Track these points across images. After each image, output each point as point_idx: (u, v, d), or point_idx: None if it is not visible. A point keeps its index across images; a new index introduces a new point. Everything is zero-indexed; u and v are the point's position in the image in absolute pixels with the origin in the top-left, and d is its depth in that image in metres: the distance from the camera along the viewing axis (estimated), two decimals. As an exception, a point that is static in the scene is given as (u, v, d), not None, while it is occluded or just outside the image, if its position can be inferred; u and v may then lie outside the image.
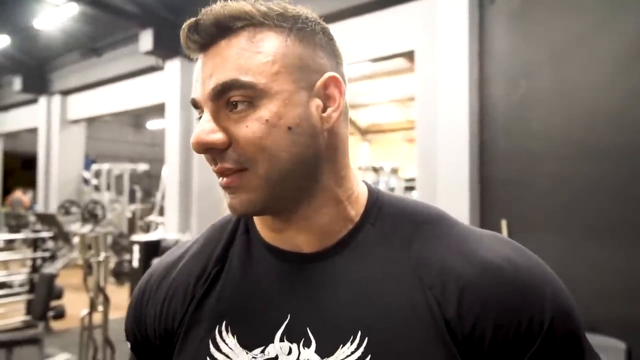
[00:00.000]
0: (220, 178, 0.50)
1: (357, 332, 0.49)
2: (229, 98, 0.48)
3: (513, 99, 3.49)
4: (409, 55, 4.30)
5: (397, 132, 11.34)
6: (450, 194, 3.65)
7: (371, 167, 7.94)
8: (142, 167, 8.90)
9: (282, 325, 0.51)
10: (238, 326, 0.53)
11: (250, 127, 0.47)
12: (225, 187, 0.50)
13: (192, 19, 0.50)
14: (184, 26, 0.50)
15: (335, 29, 0.54)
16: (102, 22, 6.57)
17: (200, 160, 6.27)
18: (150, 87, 6.96)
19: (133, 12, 5.87)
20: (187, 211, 6.26)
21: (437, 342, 0.47)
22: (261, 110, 0.47)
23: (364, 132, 11.94)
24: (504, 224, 3.41)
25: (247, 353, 0.52)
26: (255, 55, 0.48)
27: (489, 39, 3.65)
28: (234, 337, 0.52)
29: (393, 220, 0.54)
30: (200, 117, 0.51)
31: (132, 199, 8.82)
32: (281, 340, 0.51)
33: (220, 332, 0.53)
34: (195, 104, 0.51)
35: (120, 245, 7.10)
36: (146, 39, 5.92)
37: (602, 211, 3.05)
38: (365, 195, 0.56)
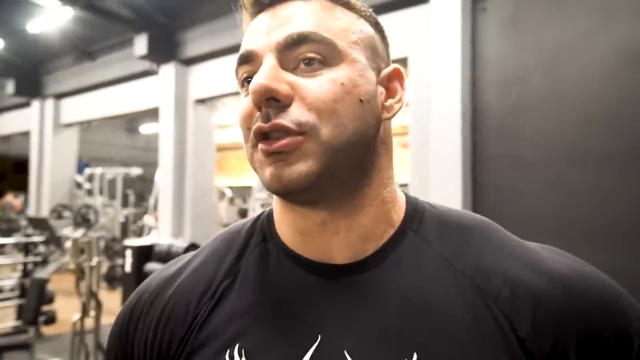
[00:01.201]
0: (259, 146, 0.42)
1: (413, 354, 0.41)
2: (300, 52, 0.42)
3: (505, 104, 3.53)
4: (403, 62, 4.33)
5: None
6: (443, 199, 3.66)
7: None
8: (136, 171, 8.86)
9: (310, 348, 0.42)
10: (255, 350, 0.44)
11: (324, 85, 0.42)
12: (275, 152, 0.41)
13: None
14: None
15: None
16: (96, 26, 6.56)
17: (193, 165, 6.26)
18: (144, 92, 6.95)
19: (128, 16, 5.87)
20: (181, 216, 6.24)
21: None
22: (336, 72, 0.42)
23: (358, 138, 11.98)
24: (496, 229, 3.43)
25: None
26: (334, 20, 0.44)
27: (481, 45, 3.69)
28: None
29: (437, 227, 0.48)
30: (246, 78, 0.45)
31: (125, 203, 8.78)
32: None
33: (232, 357, 0.44)
34: (247, 58, 0.44)
35: (112, 250, 7.06)
36: (141, 44, 5.92)
37: (595, 216, 3.08)
38: (404, 200, 0.50)
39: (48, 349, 3.81)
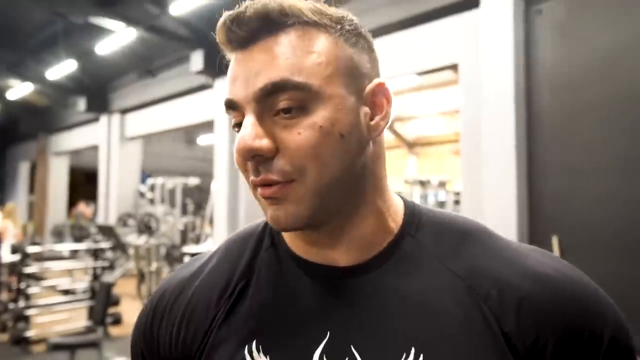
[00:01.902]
0: (258, 189, 0.46)
1: (411, 349, 0.45)
2: (278, 101, 0.44)
3: (561, 110, 3.36)
4: (454, 68, 4.26)
5: (445, 144, 11.13)
6: (497, 208, 3.55)
7: (418, 180, 7.83)
8: (194, 181, 9.23)
9: (321, 343, 0.47)
10: (271, 345, 0.48)
11: (303, 134, 0.43)
12: (269, 198, 0.45)
13: (233, 11, 0.45)
14: (222, 19, 0.46)
15: (382, 43, 0.53)
16: (156, 45, 6.97)
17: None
18: (200, 105, 7.27)
19: (185, 35, 6.19)
20: (235, 224, 6.43)
21: (497, 357, 0.45)
22: (314, 116, 0.44)
23: (411, 145, 11.82)
24: (555, 240, 3.26)
25: None
26: (308, 55, 0.44)
27: (535, 50, 3.55)
28: (266, 357, 0.48)
29: (433, 232, 0.52)
30: (236, 124, 0.48)
31: (184, 211, 9.15)
32: (320, 359, 0.47)
33: (250, 352, 0.48)
34: (232, 105, 0.47)
35: (172, 256, 7.38)
36: (197, 60, 6.22)
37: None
38: (402, 207, 0.53)
39: (115, 348, 4.05)
